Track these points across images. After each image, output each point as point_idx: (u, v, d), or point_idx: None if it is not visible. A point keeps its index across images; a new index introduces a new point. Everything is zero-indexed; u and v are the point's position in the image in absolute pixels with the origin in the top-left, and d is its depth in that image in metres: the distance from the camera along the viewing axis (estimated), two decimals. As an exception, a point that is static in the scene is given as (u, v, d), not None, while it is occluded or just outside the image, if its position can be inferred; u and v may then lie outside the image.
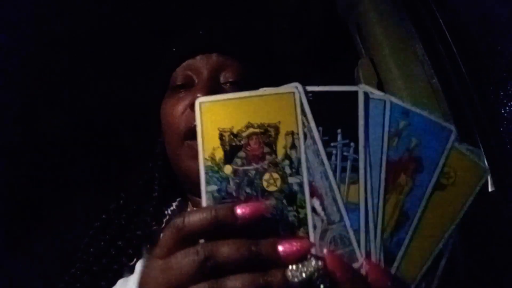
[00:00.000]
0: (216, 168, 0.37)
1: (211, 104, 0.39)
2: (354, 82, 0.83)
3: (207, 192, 0.36)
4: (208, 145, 0.38)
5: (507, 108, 0.74)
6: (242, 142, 0.37)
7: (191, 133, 0.63)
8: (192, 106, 0.63)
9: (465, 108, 0.72)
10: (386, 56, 0.76)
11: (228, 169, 0.37)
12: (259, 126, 0.38)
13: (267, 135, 0.37)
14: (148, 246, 0.62)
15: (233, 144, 0.38)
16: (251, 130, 0.38)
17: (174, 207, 0.69)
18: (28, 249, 0.68)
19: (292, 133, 0.37)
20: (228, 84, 0.66)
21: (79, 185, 0.84)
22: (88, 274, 0.60)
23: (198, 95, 0.61)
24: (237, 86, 0.66)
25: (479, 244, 0.67)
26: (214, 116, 0.39)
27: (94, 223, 0.65)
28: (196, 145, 0.63)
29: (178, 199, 0.71)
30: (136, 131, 0.94)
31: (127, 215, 0.66)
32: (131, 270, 0.60)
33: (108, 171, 0.89)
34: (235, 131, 0.38)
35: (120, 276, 0.60)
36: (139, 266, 0.60)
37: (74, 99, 0.99)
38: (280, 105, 0.38)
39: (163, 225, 0.65)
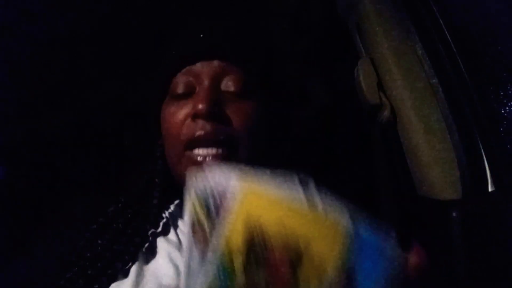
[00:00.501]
0: (229, 270, 0.31)
1: (254, 196, 0.33)
2: (354, 82, 0.83)
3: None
4: (233, 237, 0.32)
5: (507, 108, 0.74)
6: (269, 255, 0.31)
7: (192, 144, 0.63)
8: (193, 116, 0.62)
9: (465, 108, 0.72)
10: (386, 56, 0.76)
11: (241, 279, 0.31)
12: (294, 245, 0.32)
13: (298, 262, 0.32)
14: (144, 250, 0.62)
15: (259, 256, 0.32)
16: (284, 241, 0.32)
17: (171, 209, 0.69)
18: (27, 252, 0.68)
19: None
20: (229, 93, 0.65)
21: (80, 186, 0.84)
22: (83, 278, 0.59)
23: (200, 106, 0.61)
24: (239, 96, 0.65)
25: (479, 244, 0.67)
26: (253, 210, 0.33)
27: (90, 225, 0.65)
28: (196, 156, 0.62)
29: (176, 202, 0.70)
30: (138, 132, 0.94)
31: (125, 220, 0.66)
32: (125, 274, 0.59)
33: (109, 172, 0.89)
34: (266, 236, 0.32)
35: (114, 279, 0.59)
36: (134, 270, 0.59)
37: (74, 99, 0.99)
38: (327, 233, 0.32)
39: (160, 228, 0.64)
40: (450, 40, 0.74)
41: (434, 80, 0.73)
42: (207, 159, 0.62)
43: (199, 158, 0.62)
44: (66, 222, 0.70)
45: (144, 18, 0.98)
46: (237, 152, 0.64)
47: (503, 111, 0.74)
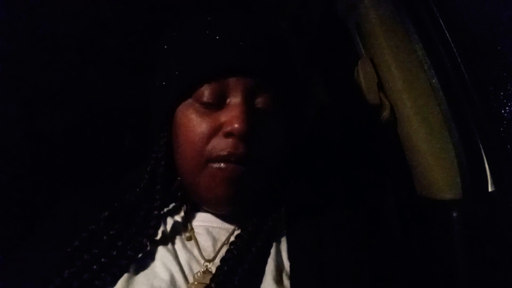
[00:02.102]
0: None
1: None
2: (354, 82, 0.83)
3: None
4: None
5: (507, 108, 0.74)
6: None
7: (220, 159, 0.60)
8: (227, 134, 0.60)
9: (465, 108, 0.72)
10: (386, 56, 0.76)
11: None
12: None
13: None
14: (137, 260, 0.60)
15: None
16: None
17: (170, 215, 0.68)
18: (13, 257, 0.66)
19: None
20: (260, 111, 0.62)
21: (75, 186, 0.82)
22: None
23: (236, 125, 0.58)
24: (269, 114, 0.63)
25: (479, 244, 0.67)
26: None
27: (80, 233, 0.62)
28: (220, 169, 0.61)
29: (173, 206, 0.69)
30: (138, 130, 0.93)
31: (117, 230, 0.63)
32: (114, 284, 0.58)
33: (106, 172, 0.88)
34: None
35: None
36: (124, 277, 0.58)
37: (74, 99, 0.99)
38: None
39: (157, 237, 0.63)
40: (450, 40, 0.74)
41: (434, 80, 0.73)
42: (235, 170, 0.60)
43: (223, 172, 0.61)
44: (58, 226, 0.67)
45: (145, 19, 0.98)
46: (261, 171, 0.63)
47: (503, 111, 0.75)
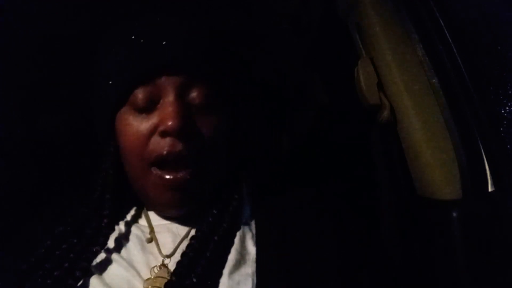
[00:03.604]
0: None
1: None
2: (354, 82, 0.83)
3: None
4: None
5: (507, 108, 0.74)
6: None
7: (160, 162, 0.60)
8: (162, 133, 0.60)
9: (465, 108, 0.72)
10: (386, 56, 0.76)
11: None
12: None
13: None
14: (95, 268, 0.60)
15: None
16: None
17: (127, 219, 0.68)
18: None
19: None
20: (195, 107, 0.62)
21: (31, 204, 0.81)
22: None
23: (169, 122, 0.58)
24: (205, 109, 0.63)
25: (479, 244, 0.67)
26: None
27: (37, 249, 0.62)
28: (166, 174, 0.60)
29: (131, 210, 0.70)
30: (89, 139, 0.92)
31: (69, 245, 0.63)
32: None
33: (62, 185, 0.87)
34: None
35: None
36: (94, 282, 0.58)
37: (74, 99, 0.99)
38: None
39: (112, 245, 0.64)
40: (450, 40, 0.74)
41: (434, 80, 0.73)
42: (177, 178, 0.60)
43: (168, 176, 0.61)
44: (21, 241, 0.67)
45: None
46: (205, 170, 0.63)
47: (503, 111, 0.75)
